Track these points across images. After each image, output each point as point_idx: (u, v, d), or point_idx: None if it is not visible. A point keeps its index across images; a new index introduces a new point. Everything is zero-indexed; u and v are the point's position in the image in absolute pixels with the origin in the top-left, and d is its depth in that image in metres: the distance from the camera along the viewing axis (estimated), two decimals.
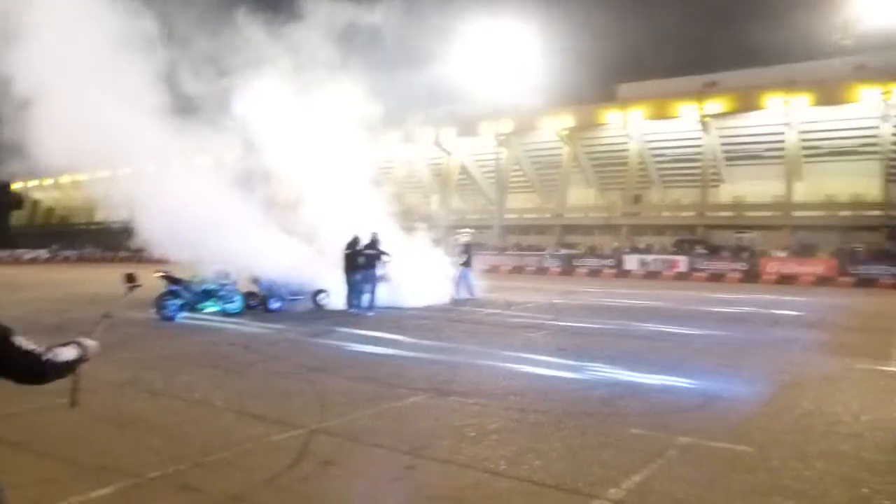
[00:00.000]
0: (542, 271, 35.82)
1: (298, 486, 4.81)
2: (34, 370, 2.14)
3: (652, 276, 32.48)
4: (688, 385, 8.24)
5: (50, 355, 2.17)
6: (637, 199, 44.31)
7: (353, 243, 15.97)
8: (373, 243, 16.20)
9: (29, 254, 50.86)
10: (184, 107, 15.64)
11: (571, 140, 43.94)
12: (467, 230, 21.07)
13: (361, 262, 15.92)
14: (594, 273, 34.38)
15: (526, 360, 9.66)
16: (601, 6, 66.28)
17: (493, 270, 30.28)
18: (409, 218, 21.97)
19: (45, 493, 4.43)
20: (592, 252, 39.41)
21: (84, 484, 4.70)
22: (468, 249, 19.38)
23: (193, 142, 15.52)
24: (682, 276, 31.70)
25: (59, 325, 13.01)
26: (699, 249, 35.87)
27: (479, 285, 19.97)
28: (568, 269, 35.40)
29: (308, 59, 16.95)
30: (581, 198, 45.57)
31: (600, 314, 16.17)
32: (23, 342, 2.07)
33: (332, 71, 17.31)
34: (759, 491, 4.79)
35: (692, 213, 41.68)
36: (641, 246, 39.08)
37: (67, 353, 2.25)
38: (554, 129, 43.89)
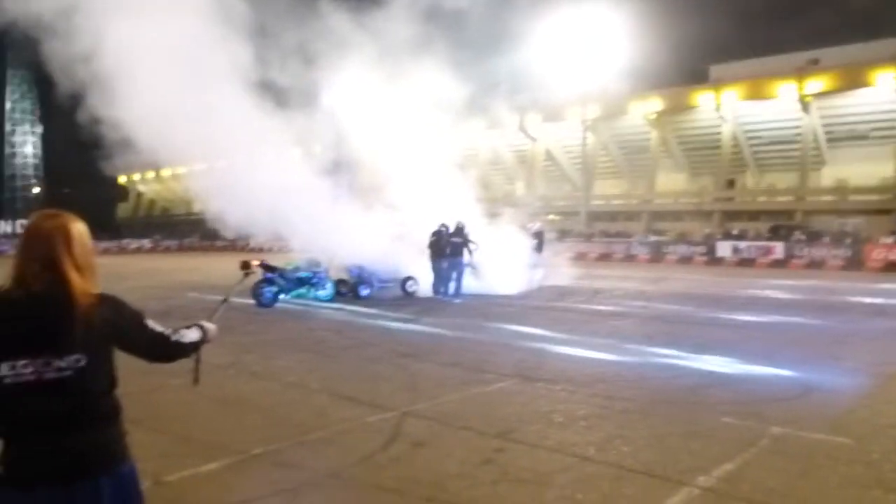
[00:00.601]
0: (630, 259, 35.12)
1: (391, 465, 5.02)
2: (163, 350, 2.37)
3: (746, 263, 31.30)
4: (782, 375, 7.98)
5: (177, 336, 2.40)
6: (730, 184, 42.78)
7: (440, 231, 16.21)
8: (459, 231, 16.40)
9: (133, 243, 53.88)
10: (272, 96, 16.13)
11: (660, 124, 42.85)
12: (544, 217, 21.20)
13: (448, 249, 16.17)
14: (685, 260, 33.43)
15: (613, 348, 9.61)
16: None
17: (579, 258, 29.85)
18: (494, 205, 22.07)
19: (163, 467, 4.81)
20: (683, 239, 38.30)
21: (196, 459, 5.08)
22: (540, 237, 19.56)
23: (284, 131, 16.01)
24: (778, 264, 30.38)
25: (165, 311, 13.77)
26: (797, 235, 34.32)
27: (566, 273, 19.89)
28: (657, 257, 34.56)
29: (393, 44, 17.15)
30: (670, 183, 44.44)
31: (690, 302, 15.80)
32: (154, 325, 2.31)
33: (417, 56, 17.49)
34: (856, 483, 4.65)
35: (790, 198, 39.94)
36: (735, 232, 37.70)
37: (191, 335, 2.48)
38: (642, 112, 42.90)
